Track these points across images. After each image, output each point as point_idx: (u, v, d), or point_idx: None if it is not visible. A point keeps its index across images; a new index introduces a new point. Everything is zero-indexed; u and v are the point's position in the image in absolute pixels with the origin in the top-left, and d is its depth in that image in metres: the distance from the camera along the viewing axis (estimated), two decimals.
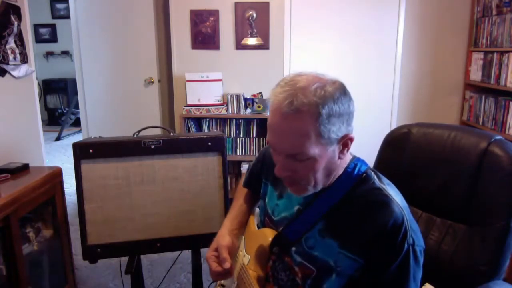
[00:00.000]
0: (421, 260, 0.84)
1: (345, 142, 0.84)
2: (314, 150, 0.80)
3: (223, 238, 1.06)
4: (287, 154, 0.82)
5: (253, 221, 1.13)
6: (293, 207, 0.96)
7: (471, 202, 1.12)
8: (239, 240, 1.12)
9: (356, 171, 0.90)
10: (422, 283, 1.11)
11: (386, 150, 1.33)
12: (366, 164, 0.93)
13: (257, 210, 1.18)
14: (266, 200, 1.07)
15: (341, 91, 0.81)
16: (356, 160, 0.92)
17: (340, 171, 0.90)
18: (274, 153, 0.87)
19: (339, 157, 0.86)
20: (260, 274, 0.97)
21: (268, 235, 0.98)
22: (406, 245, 0.80)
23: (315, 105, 0.77)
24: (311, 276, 0.89)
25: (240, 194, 1.23)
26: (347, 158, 0.92)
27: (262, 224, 1.09)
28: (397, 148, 1.29)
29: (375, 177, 0.90)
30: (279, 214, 1.00)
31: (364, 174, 0.90)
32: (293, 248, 0.92)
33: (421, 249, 0.84)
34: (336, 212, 0.88)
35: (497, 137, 1.12)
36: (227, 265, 0.97)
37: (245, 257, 1.03)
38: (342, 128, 0.82)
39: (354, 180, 0.89)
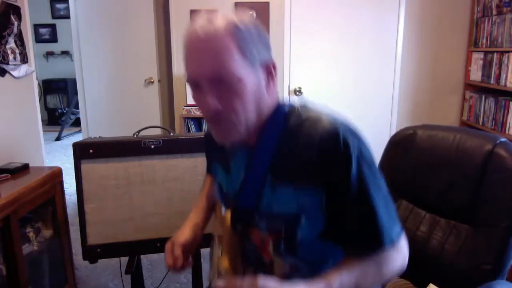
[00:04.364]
0: (376, 168, 0.80)
1: (269, 69, 0.81)
2: (239, 69, 0.75)
3: (182, 233, 1.03)
4: (210, 78, 0.75)
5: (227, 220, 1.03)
6: (239, 176, 0.90)
7: (476, 203, 1.13)
8: (216, 249, 1.04)
9: (285, 109, 0.86)
10: (426, 283, 1.11)
11: (391, 151, 1.34)
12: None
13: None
14: (218, 179, 1.01)
15: (255, 20, 0.80)
16: (283, 102, 0.88)
17: (269, 111, 0.84)
18: (196, 91, 0.79)
19: (267, 89, 0.82)
20: (234, 264, 0.91)
21: (227, 216, 0.91)
22: (351, 154, 0.75)
23: (232, 22, 0.75)
24: (281, 235, 0.83)
25: (206, 182, 1.18)
26: (274, 99, 0.86)
27: (225, 209, 1.01)
28: (402, 149, 1.30)
29: (303, 106, 0.86)
30: (229, 189, 0.95)
31: (291, 108, 0.86)
32: (255, 219, 0.86)
33: (372, 158, 0.80)
34: (277, 157, 0.83)
35: (502, 139, 1.14)
36: (177, 262, 0.97)
37: (222, 258, 0.96)
38: (264, 52, 0.79)
39: (284, 117, 0.84)
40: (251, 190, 0.86)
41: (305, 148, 0.78)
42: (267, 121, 0.84)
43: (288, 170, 0.81)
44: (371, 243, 0.78)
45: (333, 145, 0.76)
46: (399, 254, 0.81)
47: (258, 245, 0.88)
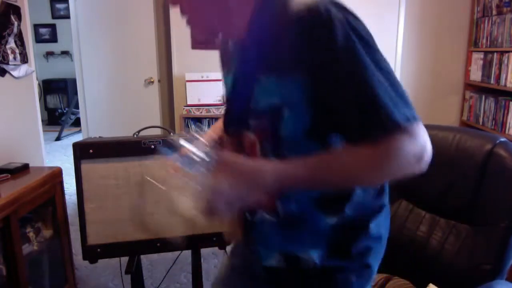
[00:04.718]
0: (373, 43, 0.68)
1: None
2: None
3: None
4: None
5: None
6: (232, 70, 0.86)
7: (476, 203, 1.13)
8: None
9: (274, 1, 0.76)
10: (426, 283, 1.11)
11: None
12: None
13: None
14: (224, 86, 0.96)
15: None
16: None
17: (252, 5, 0.78)
18: None
19: None
20: None
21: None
22: (335, 24, 0.64)
23: None
24: (267, 133, 0.77)
25: None
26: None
27: None
28: None
29: None
30: (229, 90, 0.90)
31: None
32: (245, 120, 0.80)
33: (365, 32, 0.68)
34: (265, 49, 0.76)
35: (502, 139, 1.14)
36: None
37: None
38: None
39: (273, 7, 0.75)
40: (241, 88, 0.80)
41: (284, 30, 0.69)
42: (254, 14, 0.77)
43: (272, 59, 0.74)
44: (370, 127, 0.66)
45: (311, 16, 0.65)
46: (413, 142, 0.68)
47: (248, 151, 0.82)
